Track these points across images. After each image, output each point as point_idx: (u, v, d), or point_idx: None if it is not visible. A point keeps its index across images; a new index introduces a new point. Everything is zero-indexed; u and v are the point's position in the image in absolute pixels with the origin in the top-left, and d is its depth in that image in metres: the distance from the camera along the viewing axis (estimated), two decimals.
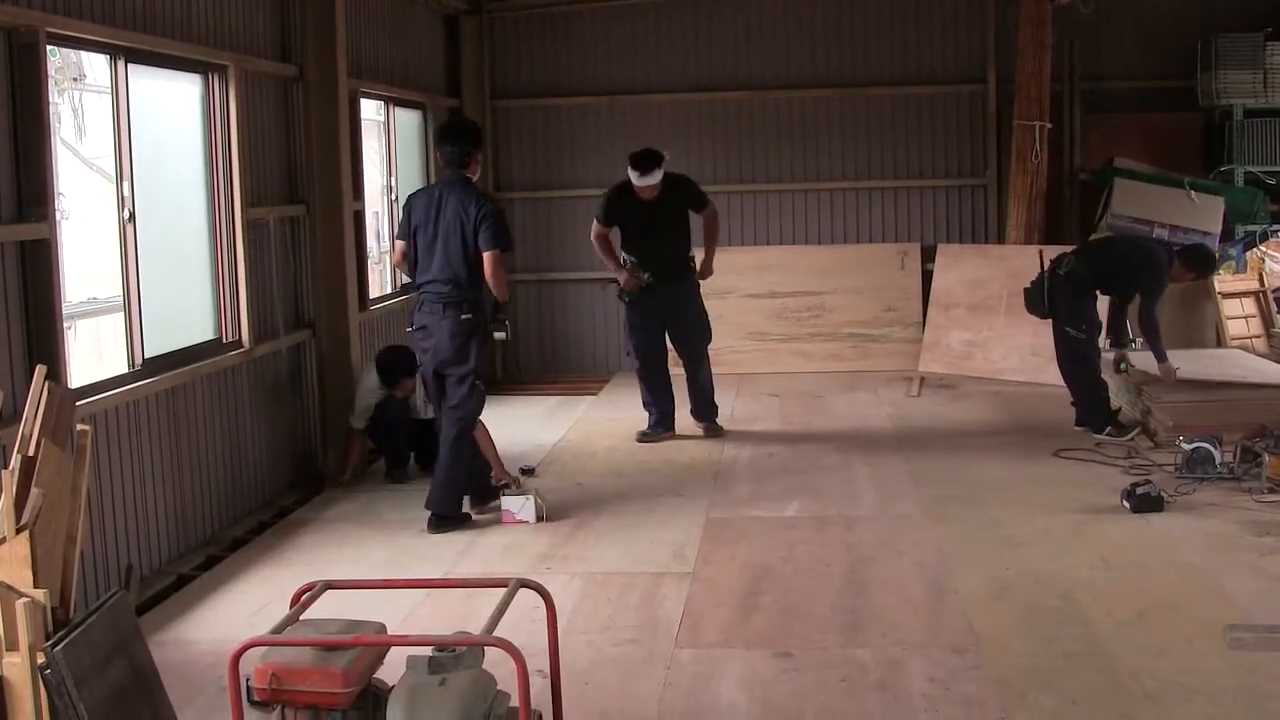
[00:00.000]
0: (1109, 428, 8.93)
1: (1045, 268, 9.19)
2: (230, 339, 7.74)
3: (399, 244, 7.44)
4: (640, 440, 9.34)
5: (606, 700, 4.96)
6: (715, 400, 9.59)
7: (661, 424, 9.41)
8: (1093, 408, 9.08)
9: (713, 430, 9.46)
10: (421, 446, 8.56)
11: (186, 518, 7.04)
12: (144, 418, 6.60)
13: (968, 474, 8.19)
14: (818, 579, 6.28)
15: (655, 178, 8.96)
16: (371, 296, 9.77)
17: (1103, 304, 9.34)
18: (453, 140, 7.32)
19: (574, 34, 12.50)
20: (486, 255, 7.11)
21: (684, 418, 9.51)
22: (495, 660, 3.86)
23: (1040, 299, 9.17)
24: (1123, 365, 9.40)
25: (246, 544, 7.22)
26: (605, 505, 7.73)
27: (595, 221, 9.35)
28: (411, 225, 7.29)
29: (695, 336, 9.45)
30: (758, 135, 12.45)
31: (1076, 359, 9.15)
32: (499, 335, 7.43)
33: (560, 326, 12.67)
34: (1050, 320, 9.29)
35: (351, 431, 8.46)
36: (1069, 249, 9.64)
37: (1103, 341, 9.37)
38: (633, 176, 9.00)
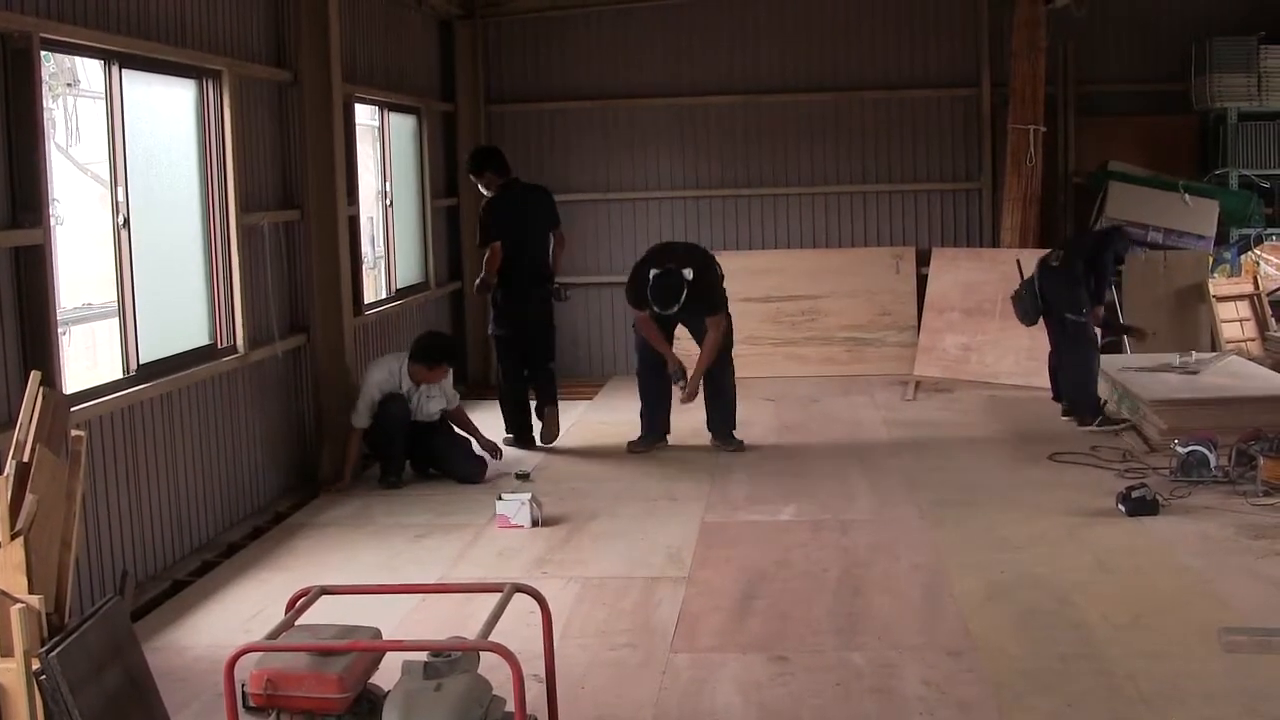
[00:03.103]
0: (1100, 418, 9.09)
1: (1025, 275, 9.48)
2: (225, 344, 7.73)
3: (496, 244, 9.10)
4: (630, 451, 9.20)
5: (602, 705, 4.95)
6: (734, 413, 9.29)
7: (653, 432, 9.30)
8: (1083, 395, 9.21)
9: (732, 445, 9.13)
10: (417, 451, 8.55)
11: (182, 523, 7.03)
12: (139, 423, 6.59)
13: (963, 477, 8.20)
14: (813, 583, 6.28)
15: (674, 309, 8.82)
16: (366, 301, 9.76)
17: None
18: (495, 159, 9.46)
19: (568, 39, 12.51)
20: (559, 232, 9.52)
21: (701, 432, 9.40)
22: (491, 665, 3.87)
23: (1033, 301, 9.36)
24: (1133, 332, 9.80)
25: (242, 549, 7.21)
26: (601, 509, 7.72)
27: (631, 307, 9.16)
28: (503, 226, 9.10)
29: (724, 309, 9.20)
30: (752, 139, 12.46)
31: (1080, 343, 9.34)
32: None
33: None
34: (1042, 324, 9.55)
35: (351, 432, 8.44)
36: (1045, 253, 9.80)
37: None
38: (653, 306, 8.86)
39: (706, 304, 8.95)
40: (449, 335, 8.88)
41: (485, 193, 9.43)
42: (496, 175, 9.32)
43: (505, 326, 9.34)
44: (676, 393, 9.15)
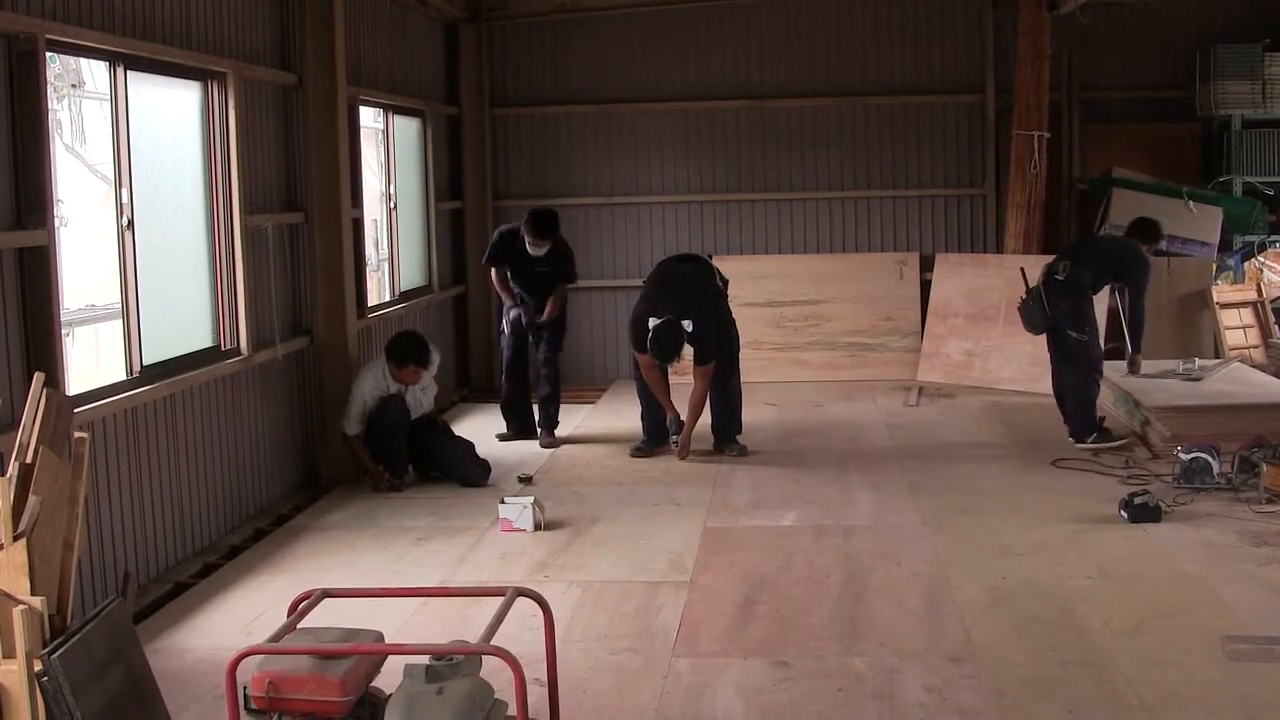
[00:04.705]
0: (1094, 434, 8.96)
1: (1031, 282, 9.20)
2: (228, 346, 7.74)
3: None
4: (633, 456, 9.21)
5: (604, 709, 4.95)
6: (740, 417, 9.28)
7: (654, 438, 9.29)
8: (1082, 413, 9.06)
9: (735, 450, 9.13)
10: (419, 454, 8.55)
11: (184, 525, 7.03)
12: (142, 425, 6.60)
13: (965, 483, 8.19)
14: (815, 588, 6.28)
15: (673, 361, 9.00)
16: (370, 304, 9.76)
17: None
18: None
19: (573, 43, 12.51)
20: None
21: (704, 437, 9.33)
22: (493, 669, 3.87)
23: (1040, 311, 9.12)
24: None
25: (244, 551, 7.21)
26: (603, 514, 7.73)
27: (636, 352, 9.12)
28: None
29: (718, 357, 9.07)
30: (756, 144, 12.46)
31: (1080, 363, 9.11)
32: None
33: None
34: (1046, 333, 9.31)
35: (349, 439, 8.41)
36: (1048, 259, 9.61)
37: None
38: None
39: (700, 352, 8.96)
40: (415, 333, 8.83)
41: (537, 252, 9.43)
42: None
43: None
44: (672, 446, 9.20)
